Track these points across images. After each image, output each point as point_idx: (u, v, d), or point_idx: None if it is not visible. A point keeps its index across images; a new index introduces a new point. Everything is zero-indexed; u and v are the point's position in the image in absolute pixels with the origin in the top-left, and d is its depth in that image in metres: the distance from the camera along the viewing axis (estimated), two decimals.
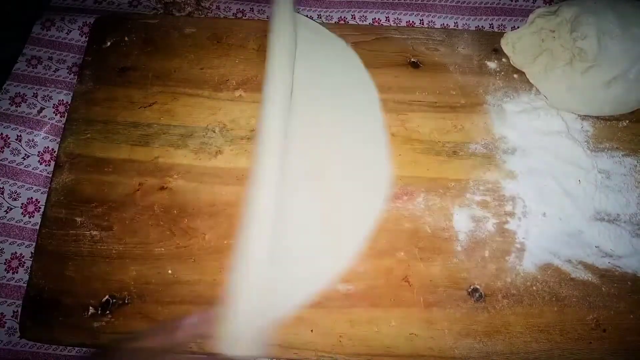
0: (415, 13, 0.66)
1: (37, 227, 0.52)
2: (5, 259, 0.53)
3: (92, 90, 0.57)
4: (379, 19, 0.66)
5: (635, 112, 0.58)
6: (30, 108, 0.59)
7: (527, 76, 0.59)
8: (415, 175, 0.54)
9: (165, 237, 0.50)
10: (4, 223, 0.54)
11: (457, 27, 0.65)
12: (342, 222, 0.52)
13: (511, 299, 0.49)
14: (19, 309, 0.50)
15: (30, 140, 0.57)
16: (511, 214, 0.52)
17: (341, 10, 0.66)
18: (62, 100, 0.60)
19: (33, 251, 0.51)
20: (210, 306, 0.46)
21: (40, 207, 0.54)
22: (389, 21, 0.66)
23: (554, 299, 0.49)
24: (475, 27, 0.66)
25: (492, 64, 0.60)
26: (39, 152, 0.57)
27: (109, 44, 0.60)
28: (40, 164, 0.57)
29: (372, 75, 0.59)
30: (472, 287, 0.49)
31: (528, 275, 0.50)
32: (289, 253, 0.49)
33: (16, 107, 0.59)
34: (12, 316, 0.51)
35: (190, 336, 0.45)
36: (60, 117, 0.59)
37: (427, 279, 0.50)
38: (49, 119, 0.59)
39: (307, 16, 0.66)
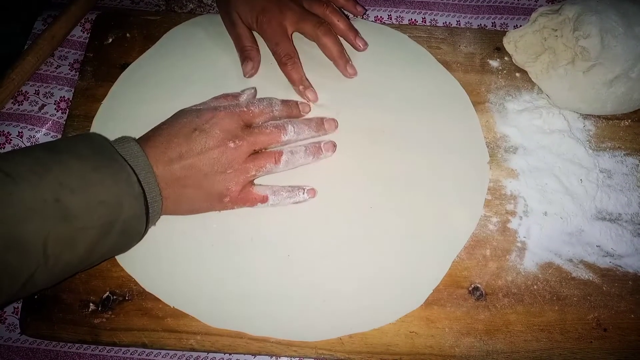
0: (418, 11, 0.66)
1: None
2: None
3: (93, 87, 0.57)
4: (381, 16, 0.66)
5: (637, 111, 0.58)
6: (32, 105, 0.59)
7: (529, 75, 0.59)
8: None
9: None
10: None
11: (460, 25, 0.65)
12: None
13: (512, 298, 0.49)
14: (20, 305, 0.50)
15: (31, 137, 0.57)
16: (512, 213, 0.52)
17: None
18: (64, 96, 0.60)
19: None
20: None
21: None
22: (391, 19, 0.66)
23: (554, 298, 0.49)
24: (478, 25, 0.65)
25: (494, 63, 0.60)
26: None
27: (110, 40, 0.60)
28: None
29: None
30: (472, 286, 0.49)
31: (529, 274, 0.50)
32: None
33: (18, 105, 0.59)
34: (12, 312, 0.51)
35: None
36: (62, 113, 0.59)
37: None
38: (50, 115, 0.59)
39: None
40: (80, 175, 0.39)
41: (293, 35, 0.57)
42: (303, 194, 0.51)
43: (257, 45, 0.57)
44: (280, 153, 0.49)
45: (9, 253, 0.35)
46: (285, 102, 0.52)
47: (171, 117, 0.48)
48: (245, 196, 0.48)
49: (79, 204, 0.38)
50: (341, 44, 0.56)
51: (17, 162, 0.38)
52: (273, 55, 0.56)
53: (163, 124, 0.48)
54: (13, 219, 0.36)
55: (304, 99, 0.56)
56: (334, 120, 0.54)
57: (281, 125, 0.49)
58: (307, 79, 0.56)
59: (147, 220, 0.43)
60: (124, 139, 0.45)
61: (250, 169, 0.47)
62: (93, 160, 0.40)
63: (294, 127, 0.50)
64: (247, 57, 0.56)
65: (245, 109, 0.48)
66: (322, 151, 0.52)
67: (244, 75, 0.57)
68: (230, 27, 0.57)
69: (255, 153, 0.48)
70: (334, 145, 0.53)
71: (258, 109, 0.49)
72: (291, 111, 0.53)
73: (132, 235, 0.44)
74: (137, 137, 0.47)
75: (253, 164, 0.47)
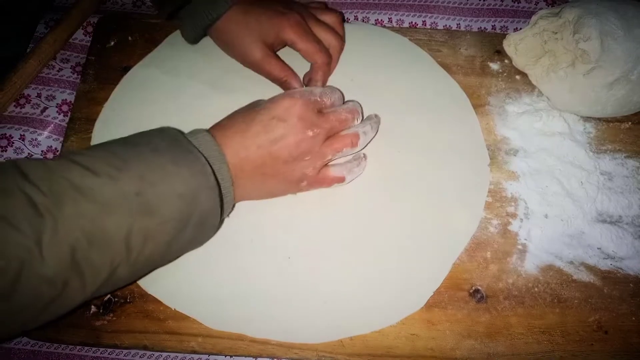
0: (418, 14, 0.66)
1: None
2: None
3: (95, 90, 0.58)
4: (381, 20, 0.66)
5: (638, 113, 0.58)
6: (34, 108, 0.59)
7: (530, 78, 0.59)
8: None
9: None
10: None
11: (460, 28, 0.65)
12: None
13: (513, 300, 0.49)
14: None
15: (33, 140, 0.58)
16: (513, 215, 0.52)
17: (344, 11, 0.66)
18: (66, 99, 0.60)
19: None
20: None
21: None
22: (391, 22, 0.66)
23: (555, 300, 0.49)
24: (478, 28, 0.66)
25: (494, 66, 0.60)
26: (42, 151, 0.58)
27: (112, 43, 0.60)
28: None
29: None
30: (473, 288, 0.49)
31: (530, 277, 0.50)
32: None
33: (20, 108, 0.59)
34: None
35: None
36: (64, 116, 0.59)
37: None
38: (52, 118, 0.59)
39: None
40: (159, 168, 0.39)
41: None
42: (365, 160, 0.52)
43: (290, 68, 0.55)
44: (357, 136, 0.49)
45: (92, 247, 0.35)
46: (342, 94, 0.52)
47: (246, 106, 0.48)
48: (322, 178, 0.49)
49: (159, 197, 0.38)
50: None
51: (96, 156, 0.38)
52: (311, 56, 0.54)
53: (238, 112, 0.47)
54: (95, 213, 0.36)
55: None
56: None
57: (353, 110, 0.50)
58: None
59: (221, 212, 0.44)
60: (196, 131, 0.45)
61: (327, 153, 0.48)
62: (170, 153, 0.40)
63: (359, 109, 0.50)
64: (290, 88, 0.54)
65: (319, 99, 0.48)
66: (377, 123, 0.53)
67: None
68: (256, 66, 0.54)
69: (331, 137, 0.48)
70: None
71: (329, 101, 0.49)
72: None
73: (207, 228, 0.44)
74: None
75: (330, 149, 0.48)
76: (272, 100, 0.47)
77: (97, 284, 0.37)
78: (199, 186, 0.41)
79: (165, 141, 0.42)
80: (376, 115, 0.53)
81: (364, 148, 0.52)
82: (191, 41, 0.57)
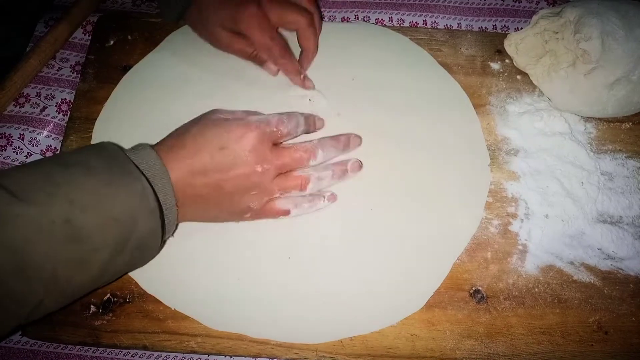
0: (419, 14, 0.66)
1: None
2: None
3: (94, 89, 0.57)
4: (382, 19, 0.66)
5: (638, 113, 0.57)
6: (34, 107, 0.59)
7: (530, 77, 0.59)
8: None
9: None
10: None
11: (461, 27, 0.65)
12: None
13: (513, 301, 0.49)
14: None
15: (32, 139, 0.58)
16: (514, 216, 0.52)
17: (344, 10, 0.66)
18: (65, 99, 0.60)
19: None
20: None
21: None
22: (392, 22, 0.66)
23: (555, 300, 0.49)
24: (479, 28, 0.65)
25: (495, 65, 0.60)
26: (41, 150, 0.57)
27: (112, 42, 0.60)
28: None
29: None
30: (473, 289, 0.49)
31: (530, 277, 0.50)
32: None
33: (20, 107, 0.59)
34: None
35: None
36: (63, 115, 0.59)
37: None
38: (51, 117, 0.59)
39: None
40: (91, 191, 0.37)
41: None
42: (323, 201, 0.50)
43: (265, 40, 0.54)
44: (308, 180, 0.48)
45: (17, 279, 0.34)
46: (306, 119, 0.50)
47: (197, 123, 0.46)
48: (268, 211, 0.48)
49: (91, 223, 0.36)
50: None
51: (24, 180, 0.36)
52: (265, 51, 0.54)
53: (187, 132, 0.45)
54: (21, 242, 0.34)
55: (304, 87, 0.56)
56: (359, 137, 0.53)
57: (311, 150, 0.48)
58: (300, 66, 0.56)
59: (162, 233, 0.42)
60: (139, 147, 0.43)
61: (275, 191, 0.47)
62: (106, 174, 0.38)
63: (323, 152, 0.49)
64: (261, 61, 0.56)
65: (275, 129, 0.46)
66: (348, 172, 0.51)
67: (272, 74, 0.57)
68: (225, 47, 0.55)
69: (282, 174, 0.47)
70: (360, 165, 0.52)
71: (286, 130, 0.47)
72: (309, 127, 0.51)
73: (146, 251, 0.42)
74: (143, 141, 0.45)
75: (278, 187, 0.47)
76: (227, 125, 0.44)
77: (23, 315, 0.36)
78: (137, 209, 0.39)
79: (102, 159, 0.39)
80: (353, 163, 0.51)
81: (327, 187, 0.51)
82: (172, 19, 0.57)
